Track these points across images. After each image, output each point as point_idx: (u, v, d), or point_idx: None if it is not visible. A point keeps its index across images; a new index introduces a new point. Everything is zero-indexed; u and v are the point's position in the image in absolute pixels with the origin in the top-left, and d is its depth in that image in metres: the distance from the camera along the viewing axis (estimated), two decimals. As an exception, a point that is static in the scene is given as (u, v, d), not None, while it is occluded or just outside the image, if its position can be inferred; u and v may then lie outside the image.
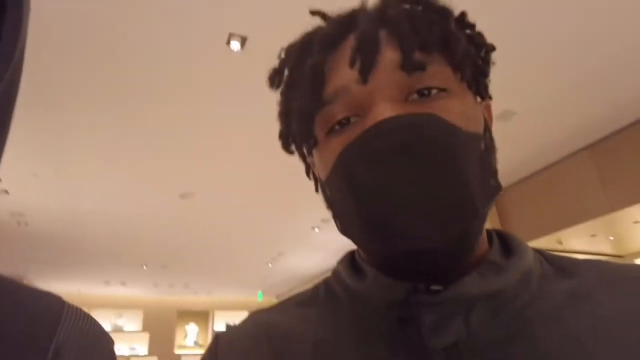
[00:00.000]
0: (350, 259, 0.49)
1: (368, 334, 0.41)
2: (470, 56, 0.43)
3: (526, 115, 3.22)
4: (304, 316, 0.46)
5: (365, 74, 0.38)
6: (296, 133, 0.46)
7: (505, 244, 0.45)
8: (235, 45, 2.25)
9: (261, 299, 9.66)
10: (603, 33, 2.50)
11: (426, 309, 0.38)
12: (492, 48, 0.48)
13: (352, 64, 0.39)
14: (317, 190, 0.51)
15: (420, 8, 0.43)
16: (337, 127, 0.41)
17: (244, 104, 2.79)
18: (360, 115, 0.40)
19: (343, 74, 0.40)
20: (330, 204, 0.45)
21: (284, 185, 4.06)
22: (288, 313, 0.48)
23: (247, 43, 2.26)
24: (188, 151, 3.37)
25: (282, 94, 0.48)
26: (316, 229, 5.59)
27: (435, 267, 0.38)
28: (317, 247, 6.45)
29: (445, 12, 0.43)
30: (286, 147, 0.50)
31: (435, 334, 0.37)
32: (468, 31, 0.46)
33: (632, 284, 0.40)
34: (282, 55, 0.48)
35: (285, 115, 0.48)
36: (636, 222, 4.13)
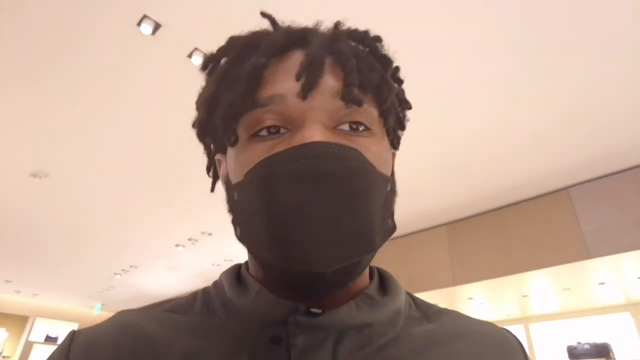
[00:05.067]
0: (235, 273, 0.48)
1: (238, 350, 0.41)
2: (394, 107, 0.47)
3: (398, 183, 3.52)
4: (175, 324, 0.44)
5: (306, 91, 0.40)
6: (219, 126, 0.44)
7: (383, 281, 0.49)
8: (146, 28, 2.11)
9: (98, 313, 8.63)
10: (467, 127, 2.91)
11: (301, 331, 0.40)
12: (409, 106, 0.52)
13: (298, 78, 0.40)
14: (212, 189, 0.52)
15: (366, 50, 0.46)
16: (263, 132, 0.41)
17: (130, 89, 2.59)
18: (289, 129, 0.41)
19: (283, 84, 0.41)
20: (235, 208, 0.44)
21: (157, 189, 3.80)
22: (158, 318, 0.45)
23: (160, 31, 2.14)
24: (48, 126, 2.96)
25: (212, 82, 0.47)
26: (180, 248, 5.27)
27: (321, 289, 0.40)
28: (176, 267, 6.06)
29: (387, 61, 0.47)
30: (201, 136, 0.49)
31: (304, 357, 0.39)
32: (396, 85, 0.50)
33: (477, 335, 0.48)
34: (224, 45, 0.48)
35: (210, 104, 0.46)
36: (470, 298, 4.70)
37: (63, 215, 4.50)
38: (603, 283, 4.18)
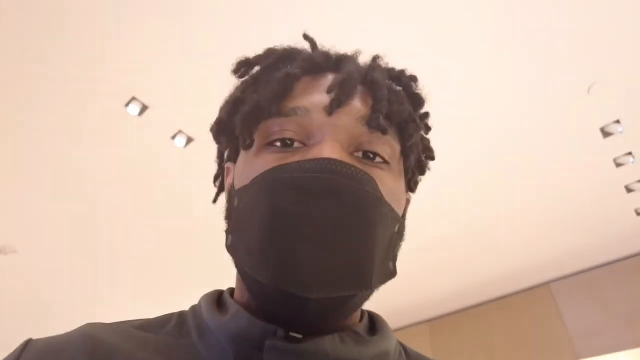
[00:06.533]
0: (216, 296, 0.46)
1: None
2: (417, 147, 0.47)
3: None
4: (142, 340, 0.40)
5: (334, 106, 0.39)
6: (238, 126, 0.43)
7: (374, 324, 0.45)
8: (133, 109, 2.15)
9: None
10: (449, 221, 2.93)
11: (278, 358, 0.35)
12: (433, 157, 0.51)
13: (329, 91, 0.40)
14: (214, 200, 0.51)
15: (399, 88, 0.46)
16: (277, 143, 0.40)
17: (111, 167, 2.56)
18: (305, 144, 0.40)
19: (310, 98, 0.40)
20: (232, 214, 0.42)
21: (133, 271, 3.58)
22: (125, 333, 0.41)
23: (146, 112, 2.18)
24: (23, 200, 2.85)
25: (240, 85, 0.47)
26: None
27: (305, 317, 0.36)
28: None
29: (418, 100, 0.47)
30: (217, 135, 0.48)
31: None
32: (423, 132, 0.49)
33: None
34: (260, 53, 0.48)
35: (234, 104, 0.45)
36: (455, 403, 4.38)
37: (31, 294, 4.16)
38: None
